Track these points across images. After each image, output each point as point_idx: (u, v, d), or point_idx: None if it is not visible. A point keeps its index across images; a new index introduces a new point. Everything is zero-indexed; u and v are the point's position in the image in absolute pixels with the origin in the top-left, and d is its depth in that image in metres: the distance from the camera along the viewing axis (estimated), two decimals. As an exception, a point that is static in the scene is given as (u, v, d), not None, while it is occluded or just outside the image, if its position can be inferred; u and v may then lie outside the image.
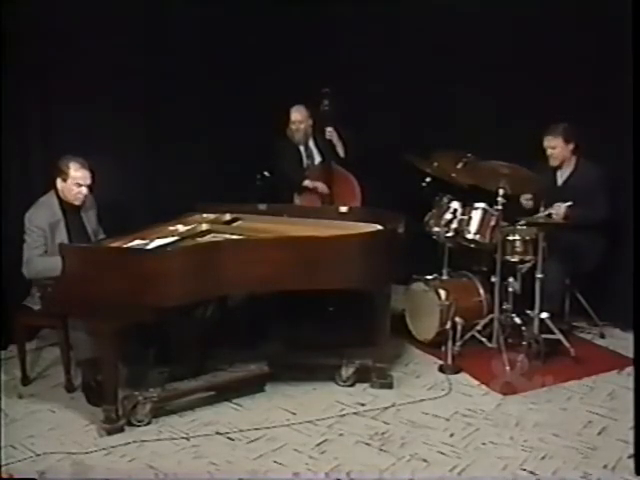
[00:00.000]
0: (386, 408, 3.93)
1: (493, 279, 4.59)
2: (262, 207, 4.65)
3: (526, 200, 4.86)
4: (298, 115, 5.19)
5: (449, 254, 4.87)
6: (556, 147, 4.70)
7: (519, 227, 4.55)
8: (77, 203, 4.09)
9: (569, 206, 4.50)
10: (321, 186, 5.12)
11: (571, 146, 4.70)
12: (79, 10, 4.68)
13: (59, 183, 4.03)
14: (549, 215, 4.53)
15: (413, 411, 3.90)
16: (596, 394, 4.08)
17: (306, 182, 5.14)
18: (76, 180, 4.00)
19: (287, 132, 5.24)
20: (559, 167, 4.79)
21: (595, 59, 4.77)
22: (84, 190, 4.04)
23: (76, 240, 4.08)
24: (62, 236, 4.03)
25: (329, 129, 5.18)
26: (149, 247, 3.80)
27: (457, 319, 4.51)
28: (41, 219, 3.99)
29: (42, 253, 3.95)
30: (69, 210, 4.10)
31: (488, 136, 5.11)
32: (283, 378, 4.17)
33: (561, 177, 4.82)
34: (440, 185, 4.93)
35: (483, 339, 4.62)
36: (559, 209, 4.52)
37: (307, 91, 5.11)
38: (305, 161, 5.28)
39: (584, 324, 5.00)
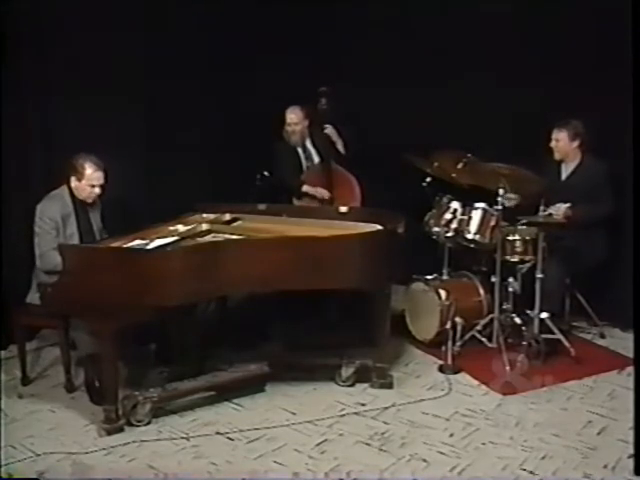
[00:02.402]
0: (386, 408, 3.93)
1: (493, 279, 4.59)
2: (262, 207, 4.64)
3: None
4: (293, 116, 5.13)
5: (449, 254, 4.87)
6: (560, 141, 4.73)
7: (519, 227, 4.55)
8: (89, 201, 4.16)
9: (569, 207, 4.51)
10: (321, 192, 5.09)
11: (576, 143, 4.71)
12: (79, 7, 4.68)
13: (73, 182, 4.09)
14: (549, 215, 4.52)
15: (413, 411, 3.90)
16: (596, 394, 4.08)
17: (305, 187, 5.10)
18: (91, 181, 4.07)
19: (283, 134, 5.20)
20: (563, 161, 4.81)
21: (596, 58, 4.77)
22: (97, 190, 4.11)
23: (84, 234, 4.14)
24: (72, 229, 4.10)
25: (328, 127, 5.17)
26: (149, 247, 3.80)
27: (457, 319, 4.51)
28: (54, 211, 4.03)
29: (55, 246, 3.96)
30: (79, 205, 4.15)
31: (489, 135, 5.11)
32: (283, 378, 4.17)
33: (565, 172, 4.84)
34: (440, 185, 4.93)
35: (483, 339, 4.62)
36: (558, 210, 4.52)
37: (306, 90, 5.10)
38: (305, 163, 5.25)
39: (584, 324, 4.99)
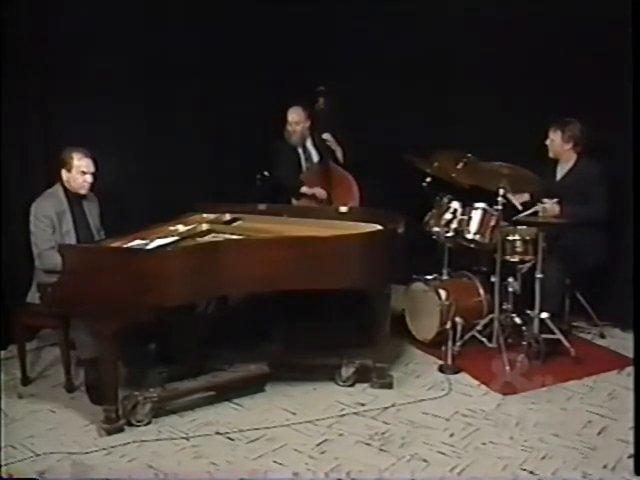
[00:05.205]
0: (386, 408, 3.93)
1: (493, 279, 4.59)
2: (262, 207, 4.65)
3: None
4: (295, 116, 5.14)
5: (449, 254, 4.88)
6: (554, 140, 4.78)
7: (519, 227, 4.56)
8: (83, 192, 4.16)
9: (557, 202, 4.54)
10: (319, 192, 5.08)
11: (568, 146, 4.75)
12: (79, 6, 4.69)
13: (64, 174, 4.10)
14: (536, 213, 4.54)
15: (413, 411, 3.90)
16: (596, 394, 4.08)
17: (303, 189, 5.09)
18: (80, 168, 4.09)
19: (284, 133, 5.20)
20: (558, 162, 4.84)
21: (595, 57, 4.77)
22: (89, 178, 4.12)
23: (81, 231, 4.15)
24: (68, 225, 4.10)
25: (326, 135, 5.16)
26: (149, 247, 3.81)
27: (457, 319, 4.51)
28: (48, 208, 4.04)
29: (53, 244, 3.97)
30: (73, 201, 4.16)
31: (489, 135, 5.11)
32: (283, 378, 4.17)
33: (560, 172, 4.86)
34: (440, 185, 4.93)
35: (483, 339, 4.62)
36: (545, 205, 4.54)
37: (306, 90, 5.10)
38: (304, 164, 5.24)
39: (584, 324, 4.99)
